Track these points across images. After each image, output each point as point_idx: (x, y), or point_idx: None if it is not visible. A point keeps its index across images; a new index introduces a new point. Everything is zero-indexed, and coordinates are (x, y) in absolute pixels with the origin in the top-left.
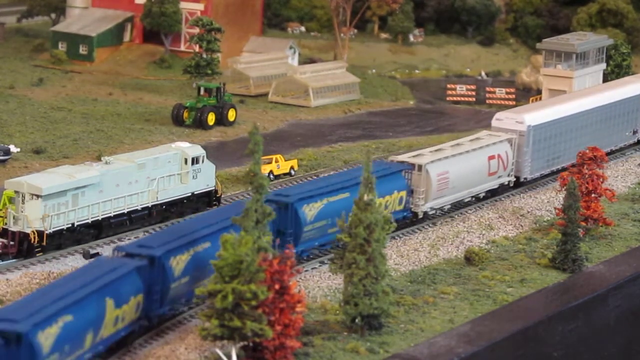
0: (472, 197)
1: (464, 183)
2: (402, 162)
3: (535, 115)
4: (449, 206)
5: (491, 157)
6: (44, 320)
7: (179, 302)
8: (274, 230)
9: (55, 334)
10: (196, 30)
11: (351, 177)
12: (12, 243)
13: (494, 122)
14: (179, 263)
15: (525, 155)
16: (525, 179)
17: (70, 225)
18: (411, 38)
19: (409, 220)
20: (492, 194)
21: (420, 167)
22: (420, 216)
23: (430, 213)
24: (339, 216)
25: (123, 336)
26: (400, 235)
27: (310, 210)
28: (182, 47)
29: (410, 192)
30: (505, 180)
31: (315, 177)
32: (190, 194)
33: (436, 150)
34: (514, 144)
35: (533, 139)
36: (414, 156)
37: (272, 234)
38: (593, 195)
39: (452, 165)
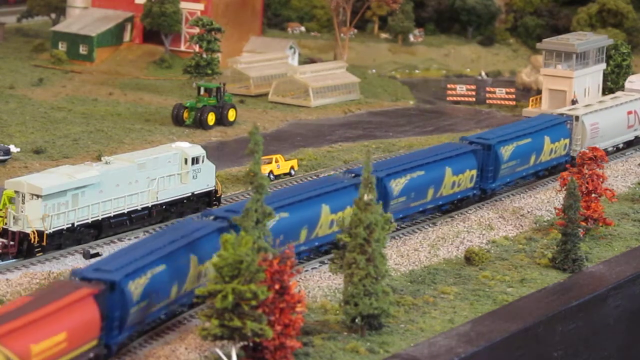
0: (614, 146)
1: (609, 134)
2: (563, 114)
3: None
4: None
5: (629, 112)
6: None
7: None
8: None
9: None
10: (196, 30)
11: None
12: (12, 243)
13: (627, 84)
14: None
15: None
16: None
17: (70, 225)
18: (411, 38)
19: (570, 164)
20: (627, 144)
21: (577, 118)
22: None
23: None
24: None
25: None
26: (400, 235)
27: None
28: (182, 47)
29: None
30: (639, 133)
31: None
32: (190, 194)
33: (586, 105)
34: None
35: None
36: (570, 109)
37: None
38: (593, 195)
39: (601, 118)
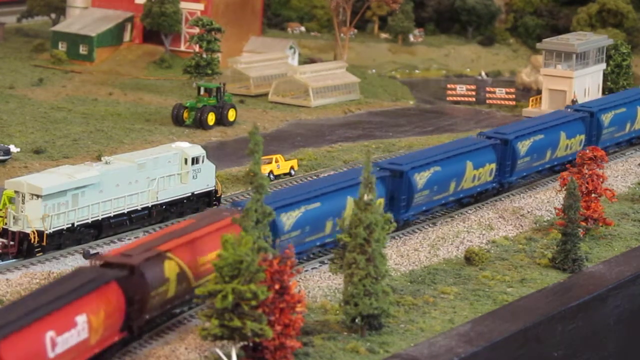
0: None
1: None
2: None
3: None
4: None
5: None
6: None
7: None
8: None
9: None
10: (196, 30)
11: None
12: (12, 243)
13: None
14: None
15: None
16: None
17: (70, 225)
18: (411, 38)
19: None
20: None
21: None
22: None
23: None
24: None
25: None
26: (400, 235)
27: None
28: (182, 47)
29: None
30: None
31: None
32: (190, 194)
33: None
34: None
35: None
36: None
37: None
38: (593, 195)
39: None
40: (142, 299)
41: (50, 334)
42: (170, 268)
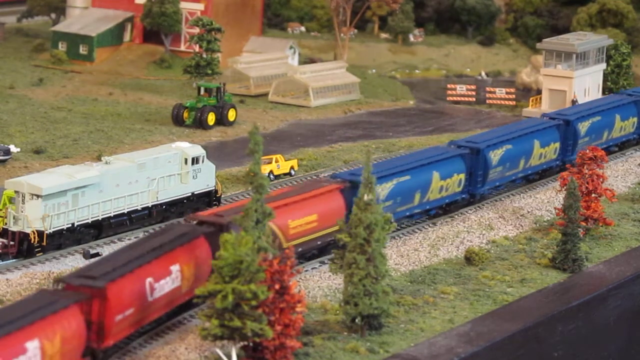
0: None
1: None
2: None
3: None
4: None
5: None
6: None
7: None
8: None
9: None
10: (196, 30)
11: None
12: (12, 243)
13: None
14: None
15: None
16: None
17: (70, 225)
18: (411, 38)
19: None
20: None
21: None
22: None
23: None
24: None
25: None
26: (400, 235)
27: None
28: (182, 47)
29: None
30: None
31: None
32: (190, 194)
33: None
34: None
35: None
36: None
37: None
38: (593, 195)
39: None
40: None
41: (149, 279)
42: None
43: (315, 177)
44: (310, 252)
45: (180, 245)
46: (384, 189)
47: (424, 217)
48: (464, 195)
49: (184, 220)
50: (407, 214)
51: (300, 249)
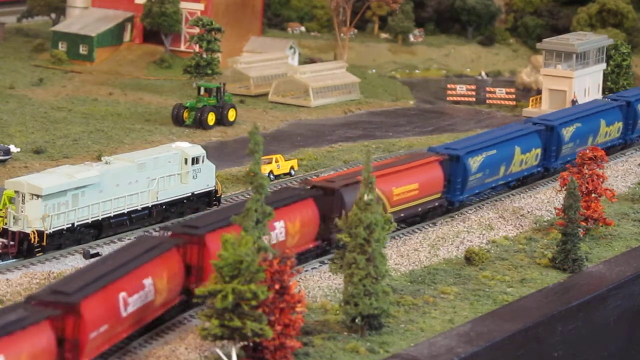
0: None
1: None
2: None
3: None
4: None
5: None
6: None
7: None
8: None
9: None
10: (196, 30)
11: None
12: (12, 243)
13: None
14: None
15: None
16: None
17: (70, 225)
18: (411, 38)
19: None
20: None
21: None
22: None
23: None
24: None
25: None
26: (400, 235)
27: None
28: (182, 47)
29: None
30: None
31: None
32: (190, 194)
33: None
34: None
35: None
36: None
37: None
38: (593, 195)
39: None
40: (338, 217)
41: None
42: None
43: (419, 150)
44: (412, 218)
45: (288, 204)
46: (475, 162)
47: (504, 188)
48: (539, 169)
49: (299, 183)
50: (493, 185)
51: (402, 214)
